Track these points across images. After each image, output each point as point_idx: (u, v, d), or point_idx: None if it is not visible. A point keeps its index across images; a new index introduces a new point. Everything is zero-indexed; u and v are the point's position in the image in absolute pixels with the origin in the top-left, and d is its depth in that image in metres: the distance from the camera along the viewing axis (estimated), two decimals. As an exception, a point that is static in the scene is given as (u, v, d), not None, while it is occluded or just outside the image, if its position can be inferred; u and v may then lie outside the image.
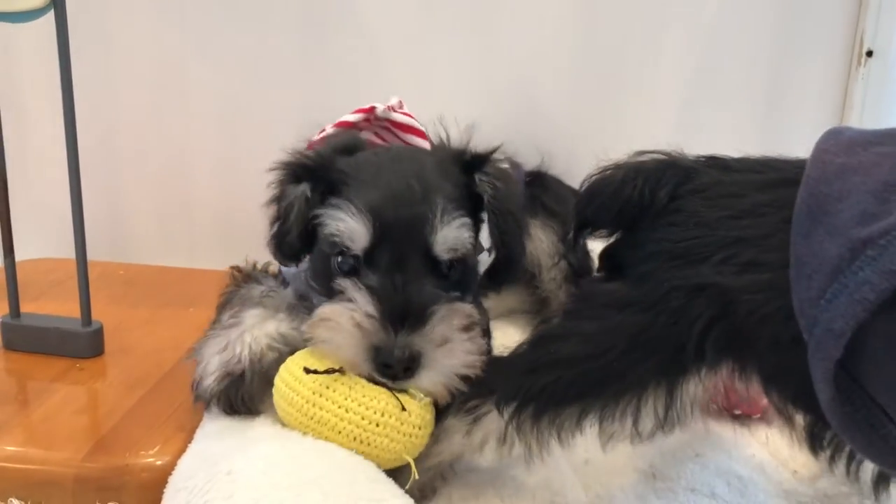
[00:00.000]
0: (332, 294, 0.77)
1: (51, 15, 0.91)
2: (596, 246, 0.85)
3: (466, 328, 0.74)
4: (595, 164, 0.78)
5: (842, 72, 1.47)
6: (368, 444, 0.72)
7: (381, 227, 0.75)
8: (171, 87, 1.48)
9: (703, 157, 0.76)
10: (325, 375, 0.72)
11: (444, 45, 1.45)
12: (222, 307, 0.88)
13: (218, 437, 0.77)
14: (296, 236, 0.82)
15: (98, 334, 1.02)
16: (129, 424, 0.86)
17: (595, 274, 0.86)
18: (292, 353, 0.78)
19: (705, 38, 1.45)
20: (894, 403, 0.57)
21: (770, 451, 0.96)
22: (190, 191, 1.53)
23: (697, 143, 0.79)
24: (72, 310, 1.01)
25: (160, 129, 1.50)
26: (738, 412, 1.02)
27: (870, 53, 1.44)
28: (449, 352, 0.73)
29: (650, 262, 0.71)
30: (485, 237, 0.85)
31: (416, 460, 0.73)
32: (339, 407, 0.71)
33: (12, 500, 0.78)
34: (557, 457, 0.87)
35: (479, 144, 0.87)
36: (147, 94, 1.48)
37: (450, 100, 1.40)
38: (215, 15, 1.44)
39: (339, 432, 0.72)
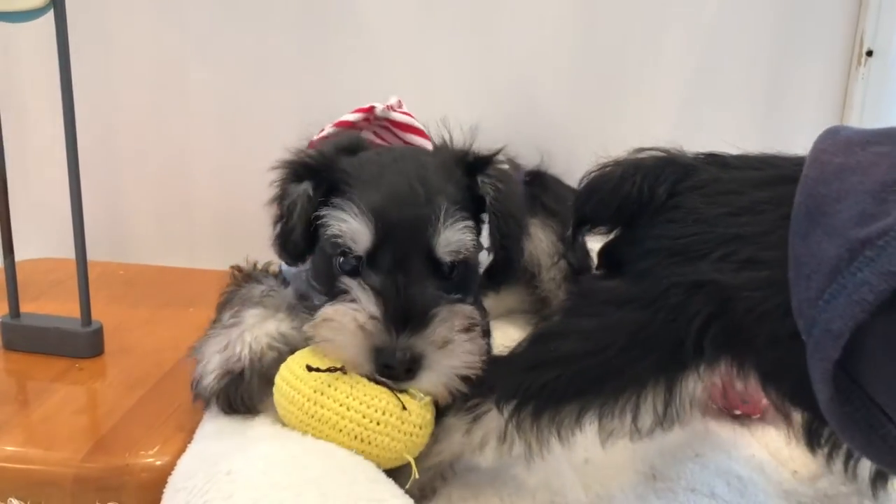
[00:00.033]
0: (333, 294, 0.77)
1: (50, 14, 0.91)
2: (595, 245, 0.85)
3: (467, 329, 0.74)
4: (594, 162, 0.79)
5: (842, 71, 1.47)
6: (369, 443, 0.72)
7: (384, 228, 0.75)
8: (171, 87, 1.48)
9: (702, 154, 0.76)
10: (326, 374, 0.73)
11: (444, 45, 1.45)
12: (222, 307, 0.88)
13: (217, 437, 0.77)
14: (299, 235, 0.82)
15: (98, 334, 1.02)
16: (128, 424, 0.86)
17: (594, 271, 0.86)
18: (292, 352, 0.78)
19: (705, 38, 1.45)
20: (893, 403, 0.57)
21: (770, 451, 0.96)
22: (190, 191, 1.53)
23: (697, 142, 0.79)
24: (72, 310, 1.01)
25: (160, 129, 1.50)
26: (738, 412, 1.02)
27: (870, 53, 1.44)
28: (449, 353, 0.73)
29: (649, 259, 0.71)
30: (484, 237, 0.85)
31: (416, 460, 0.73)
32: (341, 405, 0.72)
33: (12, 500, 0.78)
34: (557, 457, 0.87)
35: (479, 145, 0.87)
36: (147, 94, 1.48)
37: (449, 100, 1.40)
38: (215, 15, 1.44)
39: (341, 431, 0.72)
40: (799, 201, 0.63)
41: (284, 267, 0.93)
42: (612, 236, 0.80)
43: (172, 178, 1.52)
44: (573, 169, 0.81)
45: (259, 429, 0.77)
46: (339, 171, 0.80)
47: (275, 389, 0.77)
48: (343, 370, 0.73)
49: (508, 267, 0.86)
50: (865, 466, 0.69)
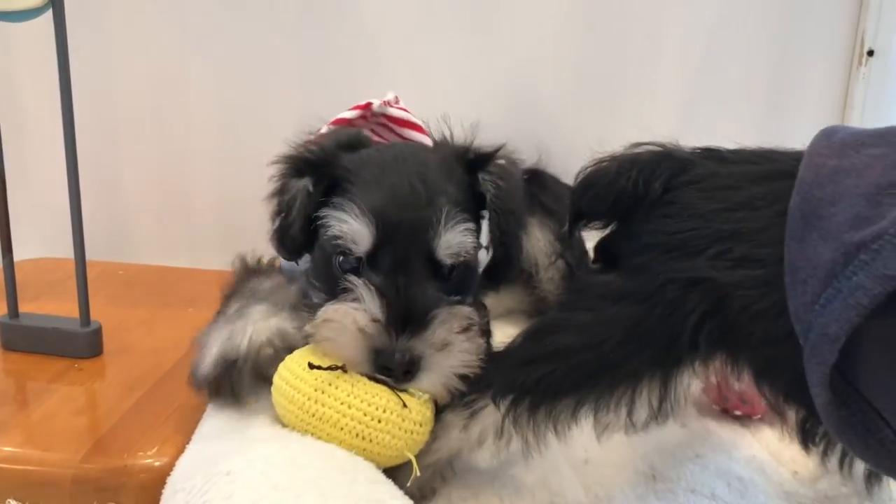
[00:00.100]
0: (333, 292, 0.77)
1: (49, 14, 0.91)
2: (593, 244, 0.85)
3: (465, 329, 0.75)
4: (590, 157, 0.78)
5: (843, 71, 1.47)
6: (371, 441, 0.72)
7: (385, 229, 0.75)
8: (170, 87, 1.48)
9: (699, 148, 0.76)
10: (327, 373, 0.73)
11: (444, 45, 1.45)
12: (229, 298, 0.88)
13: (217, 437, 0.77)
14: (298, 230, 0.82)
15: (97, 334, 1.02)
16: (127, 425, 0.86)
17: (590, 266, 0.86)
18: (289, 351, 0.78)
19: (705, 38, 1.45)
20: (890, 407, 0.57)
21: (770, 452, 0.96)
22: (189, 191, 1.53)
23: (697, 143, 0.78)
24: (71, 310, 1.01)
25: (160, 128, 1.50)
26: (738, 413, 1.02)
27: (871, 53, 1.43)
28: (448, 354, 0.73)
29: (645, 254, 0.71)
30: (484, 233, 0.85)
31: (416, 457, 0.73)
32: (342, 403, 0.72)
33: (10, 500, 0.78)
34: (557, 457, 0.87)
35: (479, 142, 0.86)
36: (147, 94, 1.48)
37: (449, 98, 1.40)
38: (215, 14, 1.44)
39: (342, 429, 0.72)
40: (794, 205, 0.63)
41: (285, 264, 0.93)
42: (608, 231, 0.80)
43: (172, 177, 1.52)
44: (572, 168, 0.80)
45: (259, 429, 0.77)
46: (340, 167, 0.80)
47: (274, 389, 0.76)
48: (344, 369, 0.73)
49: (508, 264, 0.86)
50: (860, 464, 0.69)
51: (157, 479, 0.75)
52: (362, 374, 0.73)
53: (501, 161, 0.85)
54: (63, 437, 0.83)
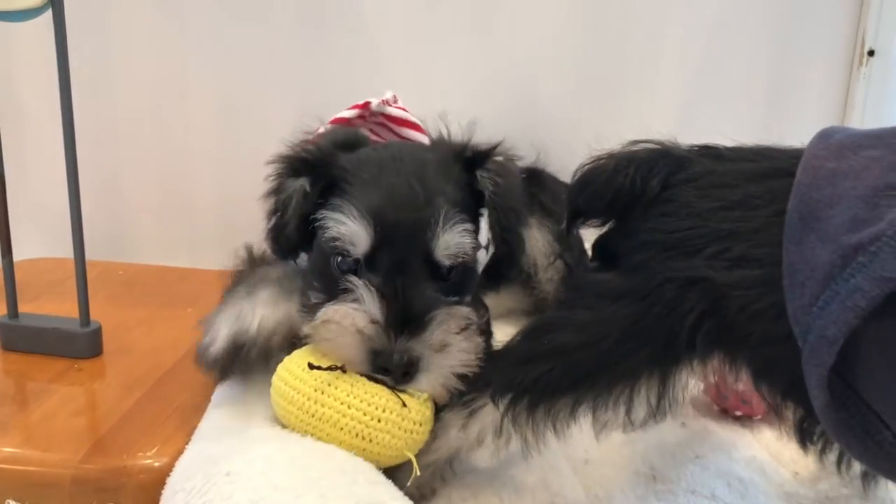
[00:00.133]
0: (332, 292, 0.77)
1: (49, 14, 0.91)
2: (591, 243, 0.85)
3: (463, 329, 0.75)
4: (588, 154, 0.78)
5: (843, 71, 1.47)
6: (371, 441, 0.72)
7: (383, 231, 0.74)
8: (171, 87, 1.48)
9: (697, 146, 0.76)
10: (327, 373, 0.73)
11: (444, 44, 1.45)
12: (237, 282, 0.88)
13: (216, 438, 0.77)
14: (293, 230, 0.82)
15: (96, 334, 1.02)
16: (127, 425, 0.86)
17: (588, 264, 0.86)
18: (298, 337, 0.79)
19: (705, 38, 1.45)
20: (889, 409, 0.57)
21: (771, 452, 0.96)
22: (189, 191, 1.53)
23: (697, 142, 0.78)
24: (70, 310, 1.01)
25: (160, 128, 1.50)
26: (738, 413, 1.02)
27: (871, 53, 1.43)
28: (446, 355, 0.73)
29: (643, 252, 0.71)
30: (483, 231, 0.85)
31: (416, 457, 0.73)
32: (342, 403, 0.72)
33: (10, 501, 0.78)
34: (557, 457, 0.87)
35: (477, 140, 0.86)
36: (147, 94, 1.48)
37: (449, 98, 1.39)
38: (215, 14, 1.44)
39: (342, 429, 0.72)
40: (792, 208, 0.63)
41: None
42: (606, 229, 0.80)
43: (172, 177, 1.52)
44: (572, 168, 0.80)
45: (259, 429, 0.77)
46: (338, 167, 0.80)
47: (272, 390, 0.77)
48: (343, 369, 0.73)
49: (510, 261, 0.86)
50: (857, 463, 0.69)
51: (157, 480, 0.75)
52: (361, 375, 0.73)
53: (499, 158, 0.85)
54: (63, 437, 0.83)
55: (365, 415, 0.71)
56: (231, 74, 1.46)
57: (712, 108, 1.47)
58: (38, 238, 1.46)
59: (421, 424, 0.74)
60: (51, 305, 1.12)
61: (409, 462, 0.73)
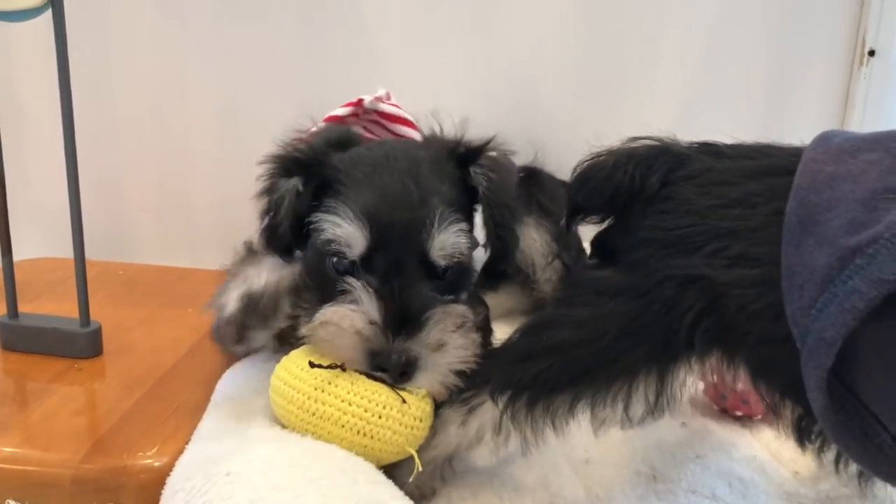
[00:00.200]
0: (328, 292, 0.77)
1: (49, 14, 0.91)
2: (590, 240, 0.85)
3: (459, 327, 0.75)
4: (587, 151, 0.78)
5: (844, 71, 1.47)
6: (372, 437, 0.72)
7: (378, 232, 0.75)
8: (170, 87, 1.48)
9: (697, 143, 0.75)
10: (327, 371, 0.73)
11: (444, 44, 1.45)
12: (238, 263, 0.89)
13: (216, 438, 0.77)
14: (286, 230, 0.82)
15: (96, 334, 1.02)
16: (127, 425, 0.86)
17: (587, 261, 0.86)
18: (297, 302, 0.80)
19: (705, 38, 1.45)
20: (888, 411, 0.57)
21: (771, 452, 0.95)
22: (189, 191, 1.53)
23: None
24: (70, 310, 1.01)
25: (160, 128, 1.50)
26: (739, 413, 1.02)
27: (872, 53, 1.43)
28: (444, 353, 0.73)
29: (642, 250, 0.71)
30: (478, 227, 0.85)
31: (416, 453, 0.74)
32: (342, 401, 0.72)
33: (10, 501, 0.78)
34: (557, 456, 0.87)
35: (470, 137, 0.86)
36: (147, 94, 1.48)
37: (449, 97, 1.38)
38: (215, 14, 1.44)
39: (343, 426, 0.72)
40: (791, 211, 0.63)
41: None
42: (605, 226, 0.80)
43: (172, 177, 1.52)
44: (570, 167, 0.80)
45: (258, 430, 0.77)
46: (331, 167, 0.80)
47: (272, 391, 0.77)
48: (343, 367, 0.73)
49: (505, 257, 0.86)
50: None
51: (157, 480, 0.75)
52: (361, 373, 0.74)
53: (492, 153, 0.85)
54: (63, 437, 0.83)
55: (366, 411, 0.72)
56: (231, 74, 1.46)
57: (712, 107, 1.47)
58: (38, 238, 1.46)
59: (421, 420, 0.74)
60: (51, 305, 1.12)
61: (410, 460, 0.73)
